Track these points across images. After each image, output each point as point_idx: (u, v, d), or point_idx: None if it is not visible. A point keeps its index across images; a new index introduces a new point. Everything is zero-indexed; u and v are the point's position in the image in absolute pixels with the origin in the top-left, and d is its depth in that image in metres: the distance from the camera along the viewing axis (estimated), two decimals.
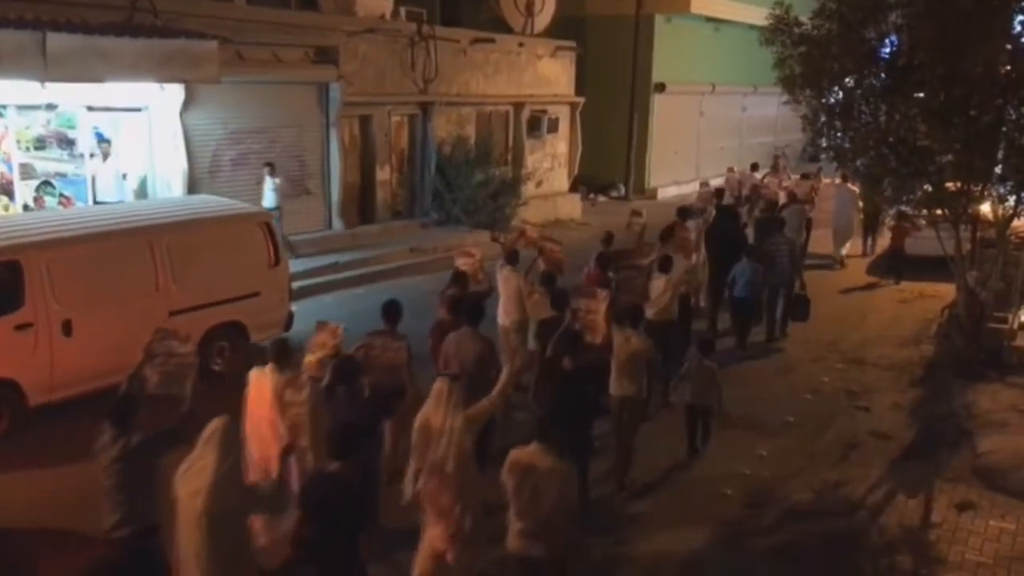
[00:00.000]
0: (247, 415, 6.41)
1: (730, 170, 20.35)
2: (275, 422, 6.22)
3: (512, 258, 9.97)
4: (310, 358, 6.97)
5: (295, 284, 11.54)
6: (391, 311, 7.49)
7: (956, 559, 7.00)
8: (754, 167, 20.21)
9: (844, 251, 17.50)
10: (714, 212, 13.72)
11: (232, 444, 5.08)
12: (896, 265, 16.09)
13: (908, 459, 8.87)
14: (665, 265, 10.01)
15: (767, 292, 12.08)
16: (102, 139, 13.09)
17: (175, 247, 9.50)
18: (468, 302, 7.88)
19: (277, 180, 14.41)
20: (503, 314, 9.71)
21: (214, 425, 5.01)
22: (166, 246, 9.42)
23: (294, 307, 11.10)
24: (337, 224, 16.68)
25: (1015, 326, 11.26)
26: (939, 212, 11.38)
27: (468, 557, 5.77)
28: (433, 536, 5.76)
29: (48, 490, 7.47)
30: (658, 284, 9.87)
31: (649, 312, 9.26)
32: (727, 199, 16.84)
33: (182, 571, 4.99)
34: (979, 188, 11.05)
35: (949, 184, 11.07)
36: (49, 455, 7.98)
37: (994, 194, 11.32)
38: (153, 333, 6.92)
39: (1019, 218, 11.31)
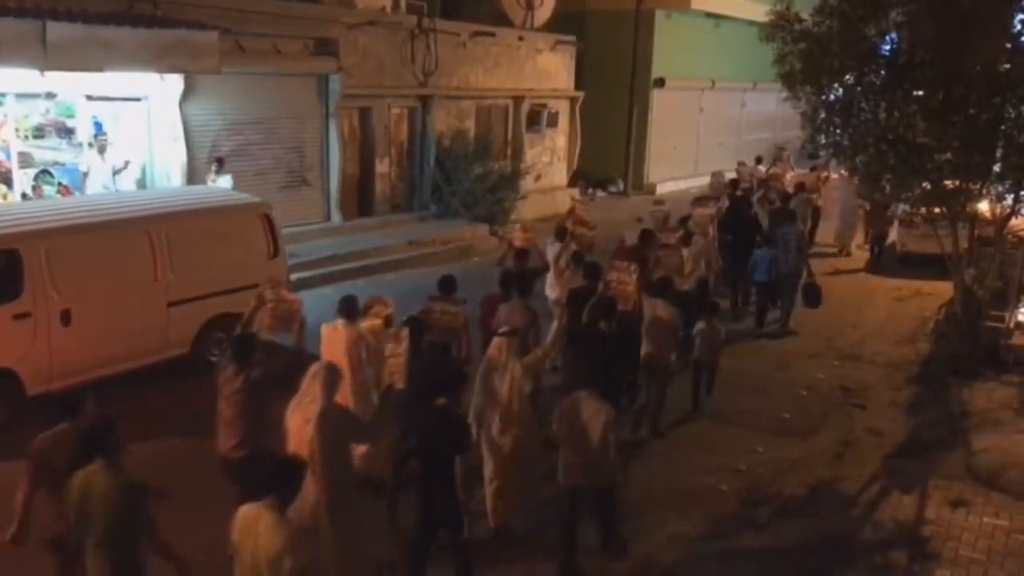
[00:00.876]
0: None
1: (741, 164, 20.73)
2: (347, 367, 6.94)
3: (561, 235, 10.98)
4: (367, 324, 7.63)
5: (293, 276, 11.53)
6: (447, 282, 8.34)
7: (950, 555, 7.03)
8: (758, 160, 20.93)
9: (853, 242, 18.17)
10: (727, 201, 14.33)
11: (335, 380, 5.87)
12: (878, 247, 16.82)
13: (903, 456, 8.89)
14: (687, 241, 11.34)
15: (778, 279, 12.55)
16: (100, 132, 13.07)
17: (174, 237, 9.50)
18: (522, 277, 8.89)
19: (228, 176, 13.56)
20: (550, 287, 10.69)
21: (318, 366, 5.96)
22: (165, 236, 9.41)
23: None
24: (336, 216, 16.69)
25: (1012, 325, 11.28)
26: (937, 210, 11.40)
27: (528, 490, 6.91)
28: (495, 471, 6.79)
29: None
30: (684, 256, 11.13)
31: (682, 285, 10.53)
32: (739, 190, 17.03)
33: None
34: (977, 186, 11.07)
35: (947, 182, 11.09)
36: None
37: (992, 192, 11.34)
38: (264, 281, 8.09)
39: (1017, 217, 11.33)
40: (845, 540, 7.29)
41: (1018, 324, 11.40)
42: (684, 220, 12.61)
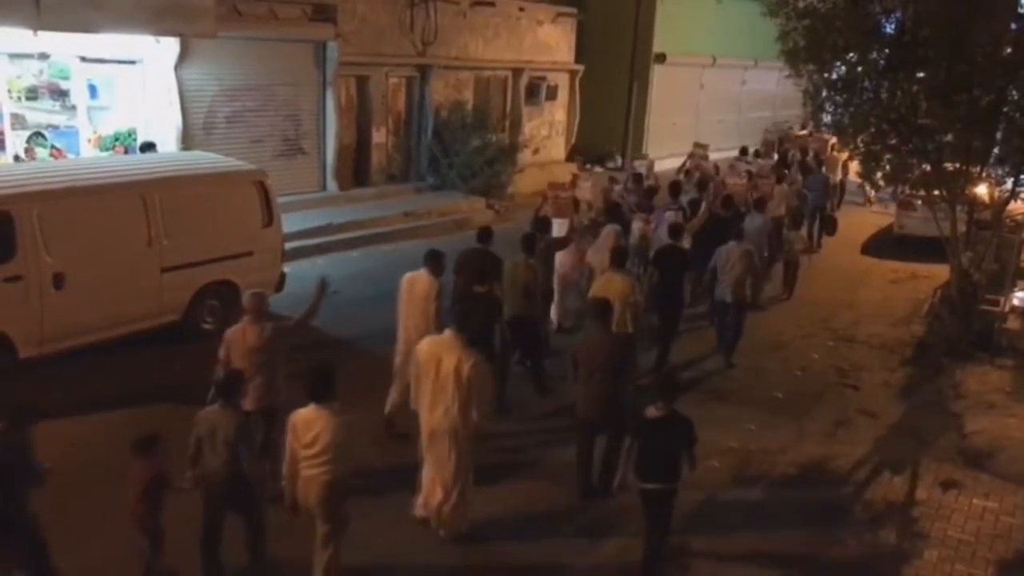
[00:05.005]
0: (402, 308, 8.08)
1: (767, 131, 25.42)
2: (427, 312, 7.88)
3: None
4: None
5: (288, 245, 11.45)
6: (529, 239, 9.37)
7: (939, 535, 7.07)
8: (743, 151, 20.83)
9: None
10: (776, 156, 19.70)
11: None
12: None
13: (895, 438, 8.93)
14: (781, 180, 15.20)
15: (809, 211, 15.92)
16: (94, 95, 12.90)
17: (169, 202, 9.39)
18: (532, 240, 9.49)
19: None
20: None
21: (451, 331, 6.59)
22: (159, 201, 9.30)
23: (286, 268, 11.02)
24: (331, 186, 16.57)
25: (1007, 308, 11.29)
26: (936, 192, 11.36)
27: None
28: None
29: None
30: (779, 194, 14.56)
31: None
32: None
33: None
34: (977, 169, 11.02)
35: (948, 164, 11.04)
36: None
37: (991, 176, 11.30)
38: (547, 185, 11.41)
39: (1015, 200, 11.31)
40: (836, 519, 7.32)
41: (1013, 308, 11.42)
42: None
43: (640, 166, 16.64)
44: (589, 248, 10.44)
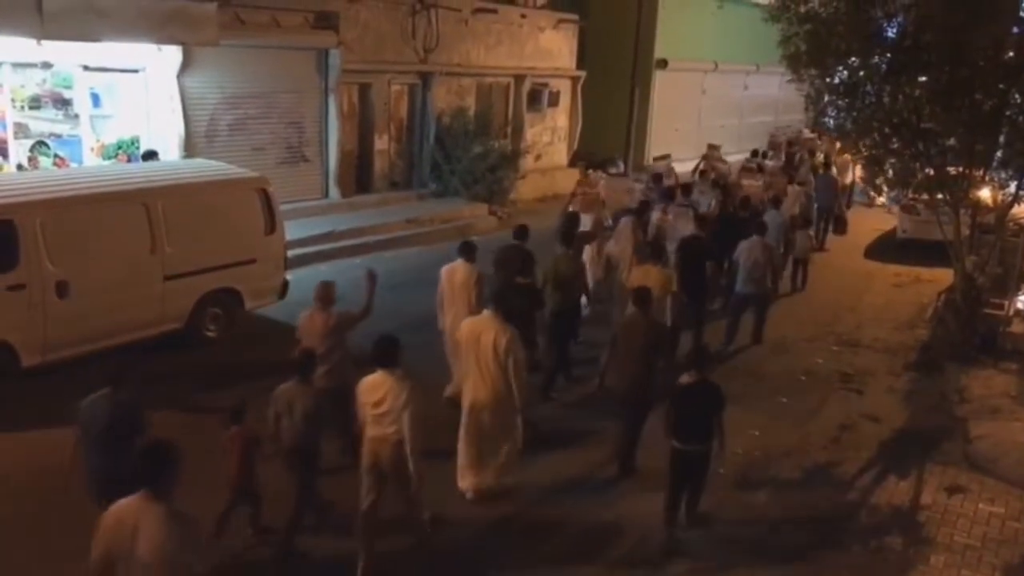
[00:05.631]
0: (444, 294, 8.78)
1: (773, 134, 25.50)
2: (468, 298, 8.50)
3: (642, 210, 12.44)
4: None
5: (290, 252, 11.46)
6: (568, 233, 10.08)
7: (944, 541, 7.05)
8: (754, 153, 21.73)
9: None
10: (784, 157, 20.51)
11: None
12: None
13: (900, 442, 8.90)
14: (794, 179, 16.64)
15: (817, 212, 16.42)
16: (97, 103, 12.93)
17: (172, 210, 9.40)
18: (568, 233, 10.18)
19: None
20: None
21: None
22: (162, 209, 9.32)
23: (289, 275, 11.02)
24: (334, 193, 16.59)
25: (1011, 312, 11.27)
26: (939, 196, 11.34)
27: None
28: None
29: (42, 451, 7.45)
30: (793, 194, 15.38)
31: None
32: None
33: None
34: (980, 173, 11.01)
35: (951, 168, 11.02)
36: (43, 416, 7.95)
37: (995, 179, 11.29)
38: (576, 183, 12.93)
39: (1019, 204, 11.29)
40: (841, 524, 7.29)
41: (1017, 312, 11.41)
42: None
43: (660, 167, 17.62)
44: (608, 240, 11.44)
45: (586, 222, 12.09)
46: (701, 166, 17.81)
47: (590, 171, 23.56)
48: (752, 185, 16.33)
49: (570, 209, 12.53)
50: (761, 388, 9.99)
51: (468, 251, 8.85)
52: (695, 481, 6.86)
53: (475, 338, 7.02)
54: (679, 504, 6.82)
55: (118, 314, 9.05)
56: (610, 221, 12.73)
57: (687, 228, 11.55)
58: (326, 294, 7.44)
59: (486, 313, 7.22)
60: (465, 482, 7.23)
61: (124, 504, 4.07)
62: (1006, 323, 11.16)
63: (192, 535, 4.08)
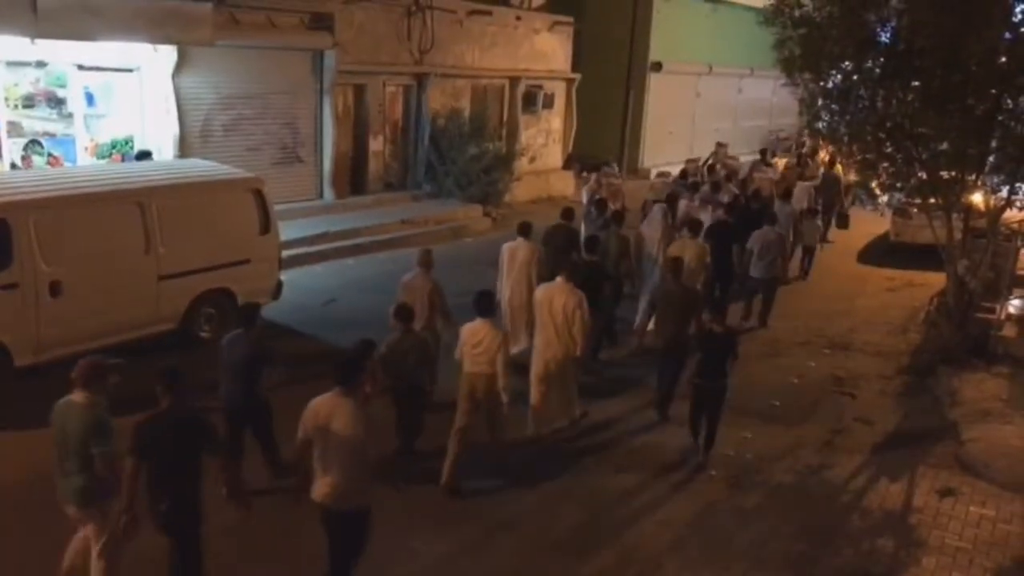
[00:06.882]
0: (504, 268, 10.04)
1: (775, 139, 27.20)
2: (529, 274, 9.74)
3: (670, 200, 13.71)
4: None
5: (285, 253, 11.45)
6: (619, 215, 11.67)
7: (936, 543, 7.08)
8: (763, 152, 22.56)
9: None
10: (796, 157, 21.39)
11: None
12: None
13: (892, 445, 8.94)
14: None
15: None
16: (91, 103, 12.89)
17: (165, 210, 9.38)
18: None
19: None
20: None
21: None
22: (156, 209, 9.30)
23: (283, 276, 11.01)
24: (328, 194, 16.58)
25: (1002, 316, 11.32)
26: (932, 200, 11.39)
27: None
28: None
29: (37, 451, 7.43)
30: (803, 189, 16.37)
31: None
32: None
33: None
34: (973, 177, 11.06)
35: (943, 172, 11.07)
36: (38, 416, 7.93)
37: (987, 184, 11.33)
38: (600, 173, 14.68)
39: (1011, 208, 11.34)
40: (833, 527, 7.32)
41: (1009, 315, 11.45)
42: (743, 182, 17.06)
43: (690, 166, 19.53)
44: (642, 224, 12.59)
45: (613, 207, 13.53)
46: (710, 162, 19.64)
47: (584, 173, 23.76)
48: (763, 179, 17.71)
49: (598, 196, 14.06)
50: (753, 391, 10.01)
51: (527, 230, 10.16)
52: (710, 412, 8.16)
53: (549, 301, 8.29)
54: (699, 429, 8.24)
55: (112, 314, 9.03)
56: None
57: (708, 217, 12.99)
58: (427, 260, 8.78)
59: (559, 280, 8.39)
60: (534, 423, 8.42)
61: (323, 398, 5.42)
62: (998, 327, 11.20)
63: (370, 426, 5.46)
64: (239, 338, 7.01)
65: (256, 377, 6.91)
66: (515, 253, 9.99)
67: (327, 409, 5.36)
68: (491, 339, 7.23)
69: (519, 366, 8.42)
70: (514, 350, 8.75)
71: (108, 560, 5.47)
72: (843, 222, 18.29)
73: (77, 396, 5.29)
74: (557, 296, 8.24)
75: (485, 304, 7.47)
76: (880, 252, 17.33)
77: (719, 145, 21.96)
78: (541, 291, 8.53)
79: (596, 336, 9.93)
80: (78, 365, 5.38)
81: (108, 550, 5.45)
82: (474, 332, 7.32)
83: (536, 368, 8.45)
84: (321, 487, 5.46)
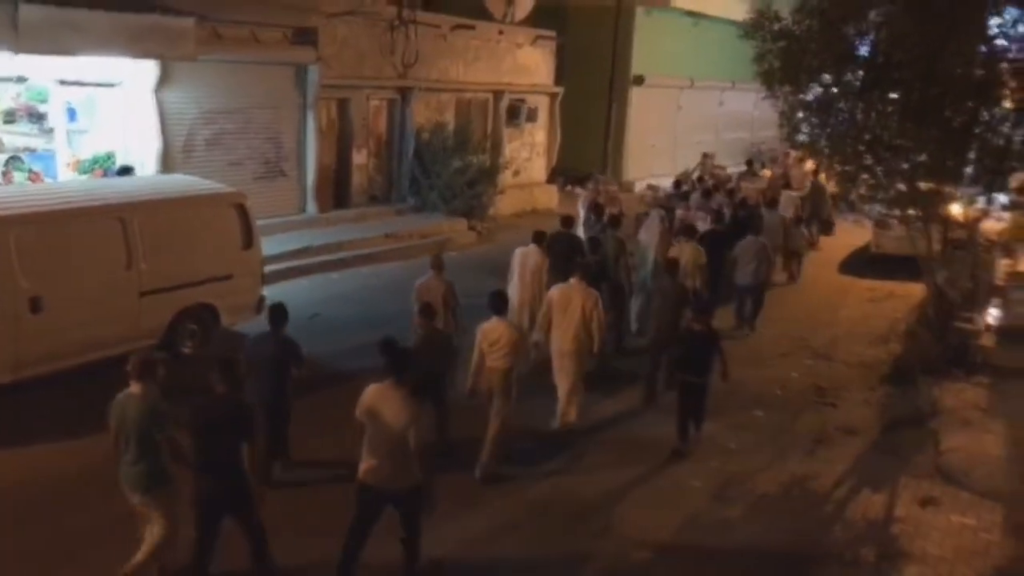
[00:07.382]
0: (515, 272, 10.53)
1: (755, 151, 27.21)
2: (540, 280, 10.29)
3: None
4: None
5: (268, 268, 11.41)
6: (616, 219, 12.26)
7: (918, 553, 7.11)
8: (749, 162, 23.34)
9: None
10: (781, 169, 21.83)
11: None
12: None
13: (874, 455, 8.99)
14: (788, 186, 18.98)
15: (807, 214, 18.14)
16: (73, 118, 12.82)
17: (147, 225, 9.33)
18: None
19: None
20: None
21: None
22: (138, 224, 9.25)
23: (265, 291, 10.97)
24: (311, 208, 16.54)
25: (981, 326, 11.42)
26: (911, 212, 11.50)
27: None
28: None
29: (27, 469, 7.36)
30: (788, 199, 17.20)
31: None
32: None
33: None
34: (951, 189, 11.18)
35: (922, 184, 11.19)
36: (20, 434, 7.87)
37: (964, 196, 11.47)
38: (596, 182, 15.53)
39: (988, 219, 11.48)
40: (815, 538, 7.34)
41: (987, 325, 11.55)
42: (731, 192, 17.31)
43: (683, 177, 20.23)
44: (641, 228, 13.30)
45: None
46: (697, 173, 20.44)
47: (568, 187, 23.86)
48: (749, 188, 18.36)
49: (597, 201, 14.71)
50: (736, 402, 10.04)
51: (540, 238, 10.70)
52: (695, 406, 8.62)
53: (566, 300, 8.82)
54: (687, 425, 8.64)
55: (93, 330, 8.96)
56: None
57: (702, 224, 13.51)
58: (440, 264, 9.23)
59: (573, 281, 8.93)
60: (558, 419, 8.93)
61: (377, 387, 5.91)
62: (977, 337, 11.30)
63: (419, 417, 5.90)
64: (266, 337, 7.34)
65: (284, 375, 7.26)
66: (526, 258, 10.49)
67: (379, 396, 5.86)
68: (507, 337, 7.75)
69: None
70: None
71: (164, 542, 5.79)
72: (827, 228, 19.42)
73: (134, 388, 5.70)
74: (575, 296, 8.77)
75: (499, 304, 7.98)
76: (861, 263, 17.44)
77: (705, 156, 22.68)
78: (557, 291, 9.00)
79: (615, 330, 10.77)
80: (131, 361, 5.79)
81: (167, 533, 5.78)
82: (491, 330, 7.81)
83: (554, 362, 8.99)
84: (367, 468, 5.90)
